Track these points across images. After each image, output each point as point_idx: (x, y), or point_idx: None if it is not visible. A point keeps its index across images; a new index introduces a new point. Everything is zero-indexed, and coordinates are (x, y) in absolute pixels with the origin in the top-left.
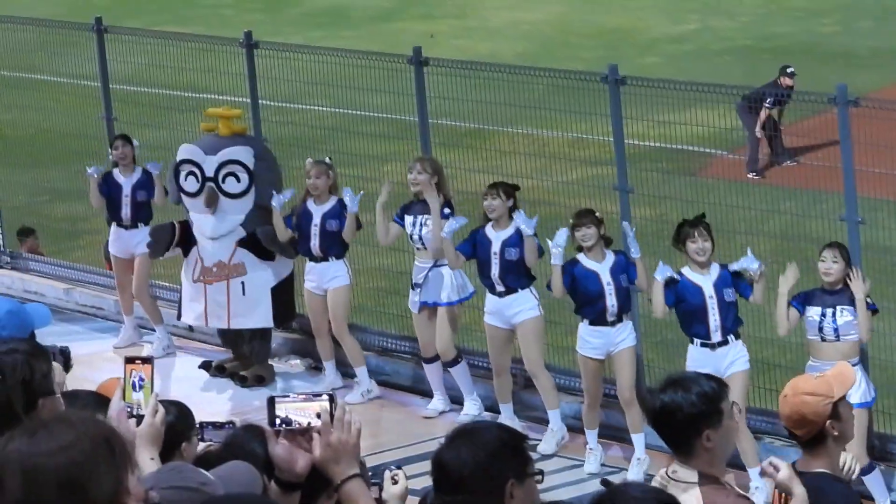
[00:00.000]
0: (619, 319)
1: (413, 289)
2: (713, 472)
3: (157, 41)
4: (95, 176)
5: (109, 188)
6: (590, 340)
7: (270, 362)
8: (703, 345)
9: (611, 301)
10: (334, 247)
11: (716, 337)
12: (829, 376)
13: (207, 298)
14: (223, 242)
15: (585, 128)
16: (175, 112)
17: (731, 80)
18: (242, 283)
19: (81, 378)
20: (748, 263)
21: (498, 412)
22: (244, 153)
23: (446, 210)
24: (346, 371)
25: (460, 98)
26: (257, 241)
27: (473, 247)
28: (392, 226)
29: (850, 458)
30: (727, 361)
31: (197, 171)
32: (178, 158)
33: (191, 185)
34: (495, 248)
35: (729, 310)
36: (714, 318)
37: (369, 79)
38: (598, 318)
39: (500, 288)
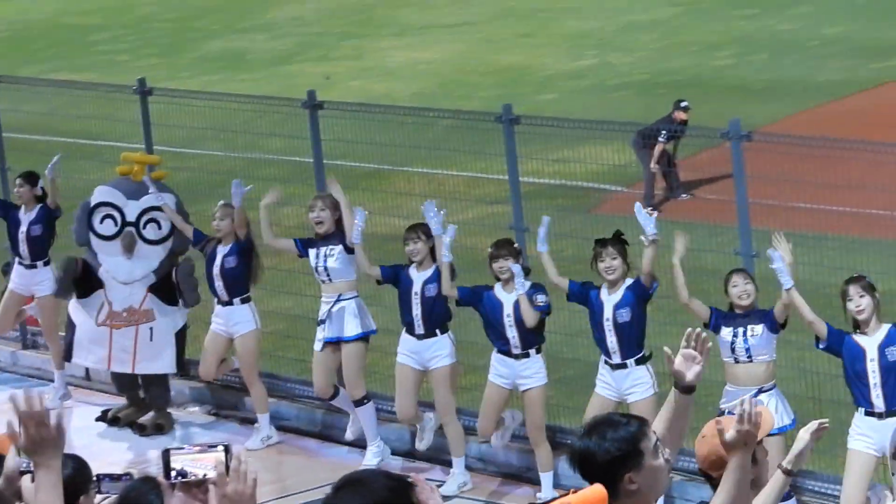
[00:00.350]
0: (526, 354)
1: (319, 325)
2: None
3: (52, 89)
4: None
5: (11, 227)
6: (497, 367)
7: (169, 410)
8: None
9: (511, 333)
10: (239, 288)
11: (514, 350)
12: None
13: (113, 343)
14: (135, 287)
15: (482, 167)
16: (72, 159)
17: (628, 115)
18: (151, 328)
19: None
20: (643, 220)
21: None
22: (168, 200)
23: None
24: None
25: (356, 140)
26: (165, 286)
27: (395, 279)
28: (286, 239)
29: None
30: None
31: (116, 214)
32: (96, 201)
33: (107, 228)
34: (416, 287)
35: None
36: (611, 341)
37: (265, 123)
38: (503, 349)
39: (419, 330)
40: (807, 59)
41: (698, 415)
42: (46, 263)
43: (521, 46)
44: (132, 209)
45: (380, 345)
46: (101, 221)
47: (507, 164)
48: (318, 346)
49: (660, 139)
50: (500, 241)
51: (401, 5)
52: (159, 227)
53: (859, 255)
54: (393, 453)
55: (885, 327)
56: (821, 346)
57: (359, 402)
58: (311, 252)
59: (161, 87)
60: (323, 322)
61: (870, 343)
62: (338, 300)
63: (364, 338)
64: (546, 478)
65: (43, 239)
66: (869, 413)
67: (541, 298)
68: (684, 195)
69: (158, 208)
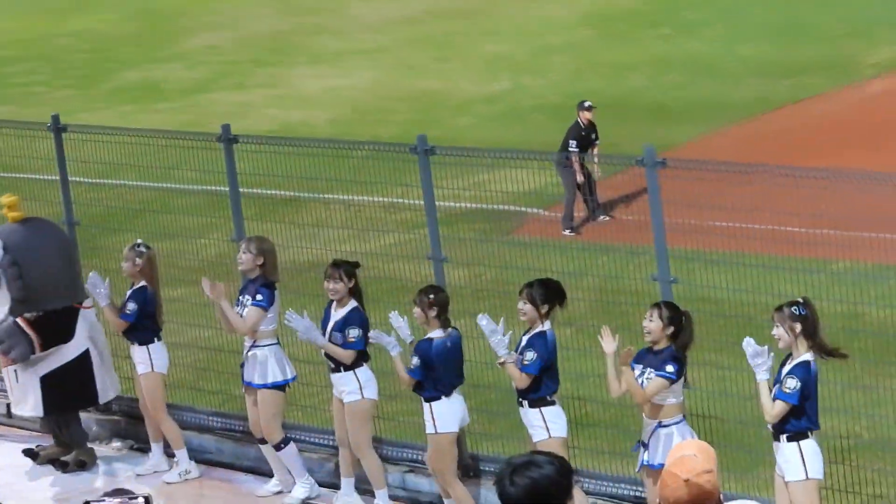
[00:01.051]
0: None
1: (241, 368)
2: None
3: None
4: None
5: None
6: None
7: (91, 445)
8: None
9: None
10: (135, 332)
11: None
12: (701, 453)
13: (4, 382)
14: None
15: (400, 192)
16: None
17: (544, 137)
18: (15, 370)
19: None
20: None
21: (336, 487)
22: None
23: (259, 296)
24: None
25: (272, 174)
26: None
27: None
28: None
29: None
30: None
31: None
32: None
33: None
34: (329, 327)
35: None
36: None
37: (180, 154)
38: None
39: (330, 364)
40: (721, 79)
41: (618, 436)
42: None
43: (436, 71)
44: None
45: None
46: None
47: (423, 195)
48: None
49: (570, 148)
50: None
51: (315, 32)
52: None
53: (777, 273)
54: (320, 485)
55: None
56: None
57: (278, 447)
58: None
59: (76, 120)
60: (243, 365)
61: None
62: (252, 346)
63: (278, 386)
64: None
65: None
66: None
67: (352, 334)
68: (603, 216)
69: None
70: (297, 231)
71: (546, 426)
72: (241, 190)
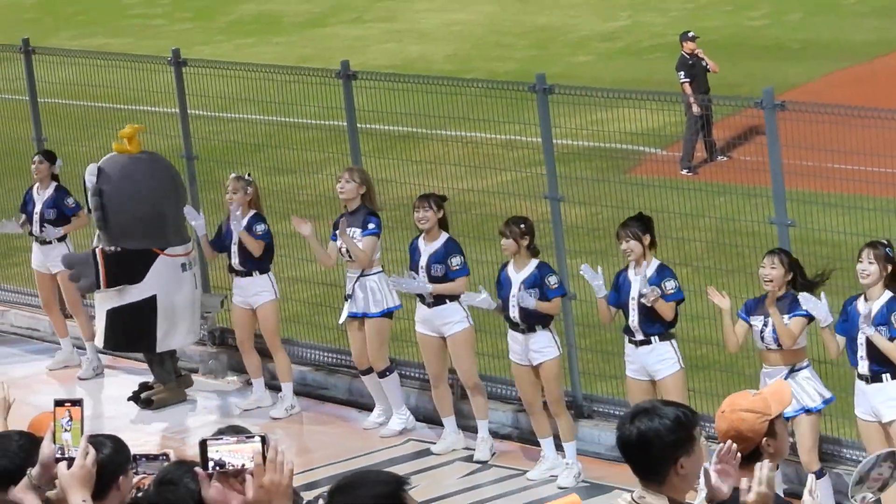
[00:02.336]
0: (532, 329)
1: (346, 300)
2: (682, 500)
3: (88, 59)
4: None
5: (26, 203)
6: (511, 345)
7: (198, 378)
8: (630, 341)
9: (513, 311)
10: (255, 261)
11: (638, 336)
12: (766, 394)
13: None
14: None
15: (517, 129)
16: (110, 126)
17: (662, 76)
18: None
19: (20, 402)
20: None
21: (434, 423)
22: (88, 172)
23: (370, 225)
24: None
25: (390, 110)
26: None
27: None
28: (332, 245)
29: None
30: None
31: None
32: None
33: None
34: (423, 261)
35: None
36: (633, 318)
37: (299, 89)
38: (511, 324)
39: (428, 299)
40: (841, 19)
41: (731, 379)
42: (61, 240)
43: (554, 7)
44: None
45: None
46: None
47: (541, 134)
48: (342, 318)
49: (681, 80)
50: (508, 219)
51: None
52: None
53: (894, 216)
54: (418, 419)
55: (886, 297)
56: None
57: (382, 374)
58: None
59: (194, 53)
60: (349, 296)
61: (866, 311)
62: (361, 275)
63: (387, 314)
64: (569, 447)
65: (56, 221)
66: (859, 377)
67: (455, 262)
68: (721, 157)
69: (86, 179)
70: (414, 167)
71: (677, 357)
72: (358, 125)
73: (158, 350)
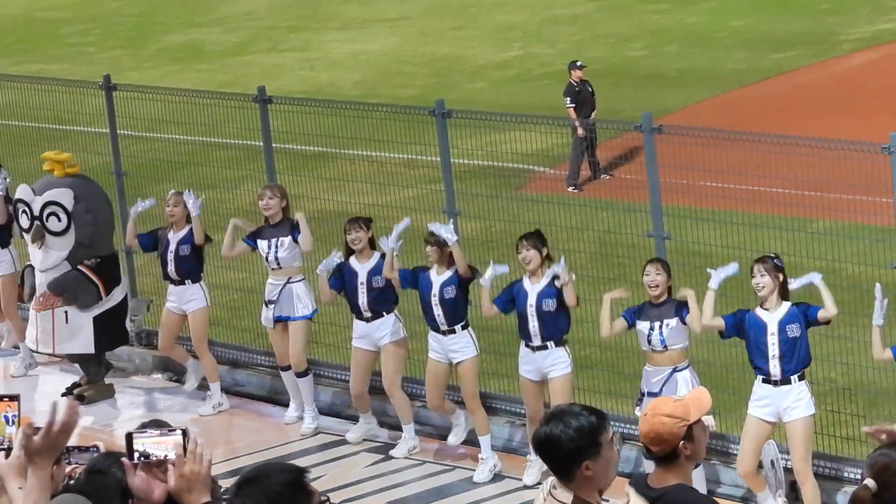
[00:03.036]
0: (452, 331)
1: (266, 306)
2: (588, 498)
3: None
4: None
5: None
6: (432, 344)
7: (108, 380)
8: (527, 346)
9: (533, 324)
10: (190, 270)
11: (536, 341)
12: (687, 400)
13: (38, 325)
14: (50, 274)
15: (418, 150)
16: (45, 144)
17: (551, 102)
18: (66, 312)
19: None
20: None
21: (344, 418)
22: (64, 195)
23: (296, 231)
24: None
25: (303, 131)
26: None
27: (341, 279)
28: (239, 244)
29: None
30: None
31: (27, 209)
32: (15, 197)
33: (24, 221)
34: (361, 278)
35: (548, 318)
36: (533, 324)
37: (219, 112)
38: (433, 327)
39: (367, 314)
40: (714, 50)
41: (613, 378)
42: (3, 246)
43: (453, 39)
44: (37, 204)
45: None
46: (20, 215)
47: (440, 154)
48: (269, 323)
49: (567, 105)
50: (527, 234)
51: (344, 1)
52: (58, 220)
53: (761, 231)
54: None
55: (786, 306)
56: (724, 338)
57: (301, 374)
58: (262, 243)
59: (124, 78)
60: (272, 302)
61: (770, 319)
62: (287, 283)
63: (309, 318)
64: (484, 440)
65: None
66: (766, 381)
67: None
68: (604, 175)
69: (56, 203)
70: (324, 184)
71: (569, 360)
72: (273, 145)
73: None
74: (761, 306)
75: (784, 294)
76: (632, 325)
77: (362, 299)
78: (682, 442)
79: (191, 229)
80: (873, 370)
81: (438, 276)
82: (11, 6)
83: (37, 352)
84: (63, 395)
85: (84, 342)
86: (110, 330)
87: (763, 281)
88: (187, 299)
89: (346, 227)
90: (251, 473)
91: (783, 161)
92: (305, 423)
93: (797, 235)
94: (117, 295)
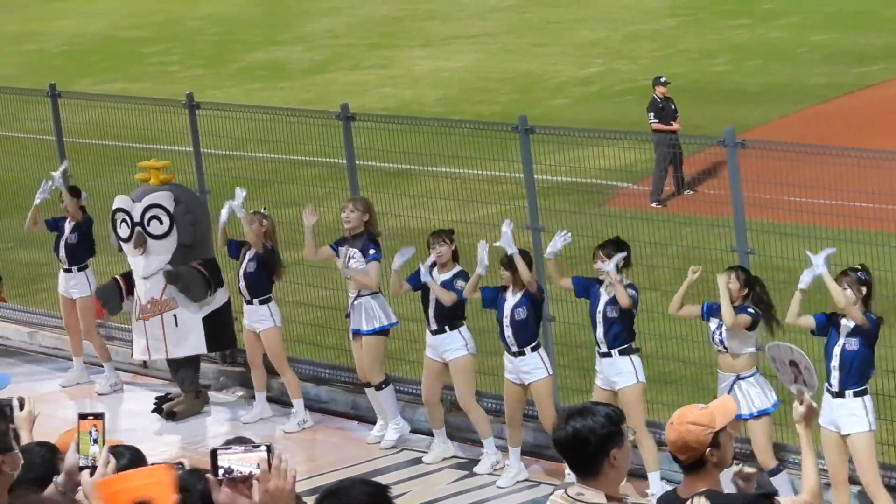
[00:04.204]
0: (521, 352)
1: (347, 318)
2: (617, 494)
3: (109, 103)
4: (37, 202)
5: (58, 232)
6: (506, 364)
7: (197, 393)
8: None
9: (508, 332)
10: (258, 290)
11: (603, 347)
12: (712, 408)
13: (147, 334)
14: (154, 280)
15: (501, 166)
16: (127, 162)
17: (633, 118)
18: (175, 315)
19: (47, 415)
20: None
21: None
22: (164, 198)
23: (372, 251)
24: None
25: (386, 148)
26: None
27: (418, 280)
28: (324, 248)
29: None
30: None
31: (127, 217)
32: (113, 208)
33: (123, 231)
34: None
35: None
36: (599, 330)
37: (303, 130)
38: (506, 346)
39: (433, 326)
40: (796, 65)
41: (696, 393)
42: (82, 269)
43: (535, 55)
44: (137, 210)
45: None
46: (119, 225)
47: (523, 170)
48: (350, 335)
49: (650, 121)
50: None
51: (426, 18)
52: (160, 223)
53: (846, 245)
54: (414, 431)
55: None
56: (814, 333)
57: (378, 387)
58: (340, 251)
59: (206, 97)
60: (349, 315)
61: (842, 329)
62: (357, 297)
63: (381, 332)
64: (488, 442)
65: (80, 248)
66: (827, 391)
67: (459, 284)
68: (688, 191)
69: (158, 205)
70: (408, 201)
71: (636, 371)
72: (357, 162)
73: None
74: (844, 317)
75: (867, 307)
76: (705, 319)
77: (431, 310)
78: (708, 449)
79: (266, 248)
80: None
81: (511, 298)
82: (94, 26)
83: (145, 362)
84: (153, 410)
85: (196, 343)
86: (218, 330)
87: (845, 294)
88: (257, 318)
89: (429, 240)
90: (334, 486)
91: (867, 175)
92: (387, 435)
93: (881, 250)
94: (221, 296)
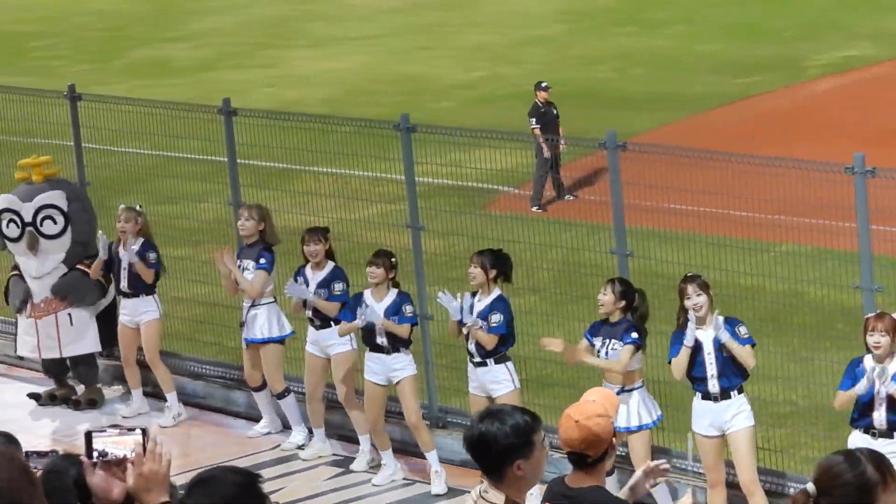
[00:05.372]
0: (396, 350)
1: (241, 326)
2: (520, 498)
3: None
4: None
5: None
6: (371, 366)
7: (98, 386)
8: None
9: (380, 337)
10: (143, 284)
11: (477, 358)
12: (600, 399)
13: (39, 332)
14: (47, 280)
15: (383, 167)
16: (8, 155)
17: (517, 123)
18: (69, 314)
19: None
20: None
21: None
22: (58, 197)
23: (262, 260)
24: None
25: (268, 145)
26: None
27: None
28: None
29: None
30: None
31: (17, 218)
32: (0, 208)
33: (12, 231)
34: (311, 287)
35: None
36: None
37: (184, 126)
38: (374, 347)
39: (315, 321)
40: (680, 74)
41: (575, 395)
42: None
43: (421, 58)
44: (27, 210)
45: None
46: (7, 226)
47: (404, 169)
48: (244, 343)
49: (531, 126)
50: (378, 251)
51: (312, 19)
52: (54, 223)
53: (725, 251)
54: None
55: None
56: (671, 359)
57: (280, 395)
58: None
59: (90, 92)
60: (243, 324)
61: (706, 337)
62: (252, 306)
63: (278, 341)
64: (432, 456)
65: None
66: (706, 397)
67: (338, 288)
68: (569, 196)
69: (51, 206)
70: (289, 199)
71: (512, 378)
72: (238, 160)
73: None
74: (697, 326)
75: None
76: (589, 342)
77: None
78: (612, 439)
79: (145, 242)
80: (834, 391)
81: (378, 302)
82: None
83: (37, 360)
84: (30, 395)
85: (91, 342)
86: (111, 327)
87: (700, 300)
88: (140, 311)
89: (303, 237)
90: (204, 475)
91: (748, 183)
92: (291, 439)
93: (761, 258)
94: (110, 294)
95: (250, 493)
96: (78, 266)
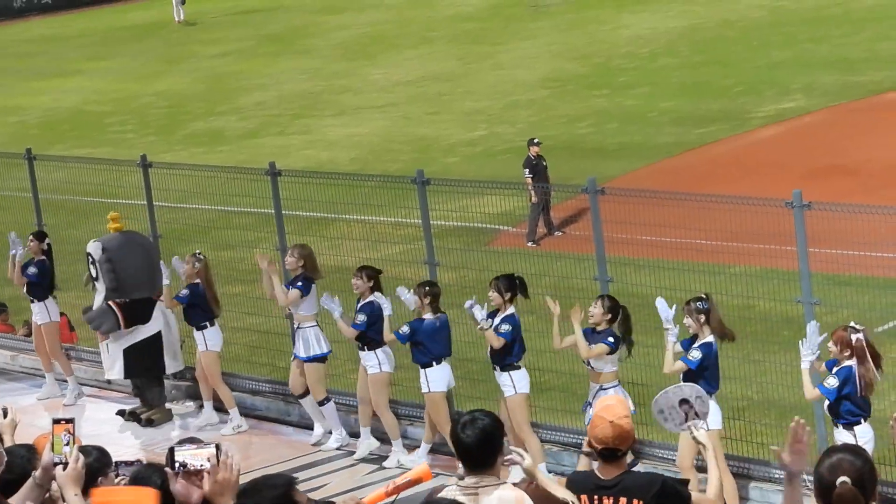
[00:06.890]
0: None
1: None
2: (502, 478)
3: (77, 164)
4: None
5: (24, 267)
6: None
7: (167, 405)
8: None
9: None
10: (193, 321)
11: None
12: (620, 403)
13: (102, 354)
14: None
15: (403, 213)
16: (95, 214)
17: (513, 173)
18: (107, 345)
19: (27, 424)
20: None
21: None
22: (95, 248)
23: (298, 283)
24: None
25: (307, 199)
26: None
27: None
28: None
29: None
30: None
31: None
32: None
33: (92, 270)
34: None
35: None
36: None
37: (237, 185)
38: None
39: (359, 344)
40: (647, 127)
41: (567, 398)
42: (39, 300)
43: (430, 122)
44: (91, 255)
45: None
46: (89, 266)
47: (420, 216)
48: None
49: (525, 177)
50: (360, 266)
51: (339, 92)
52: (94, 269)
53: (688, 275)
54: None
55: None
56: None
57: (321, 403)
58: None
59: (159, 159)
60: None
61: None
62: (298, 328)
63: (320, 358)
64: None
65: (34, 284)
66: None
67: (359, 318)
68: (557, 232)
69: (89, 254)
70: (326, 243)
71: (513, 385)
72: (283, 212)
73: (167, 373)
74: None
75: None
76: None
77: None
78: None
79: (188, 287)
80: (782, 388)
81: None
82: (66, 101)
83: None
84: (127, 419)
85: (118, 370)
86: (138, 361)
87: (688, 321)
88: (198, 343)
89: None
90: (247, 486)
91: (706, 217)
92: (330, 442)
93: (718, 278)
94: (146, 331)
95: (287, 499)
96: (109, 302)
